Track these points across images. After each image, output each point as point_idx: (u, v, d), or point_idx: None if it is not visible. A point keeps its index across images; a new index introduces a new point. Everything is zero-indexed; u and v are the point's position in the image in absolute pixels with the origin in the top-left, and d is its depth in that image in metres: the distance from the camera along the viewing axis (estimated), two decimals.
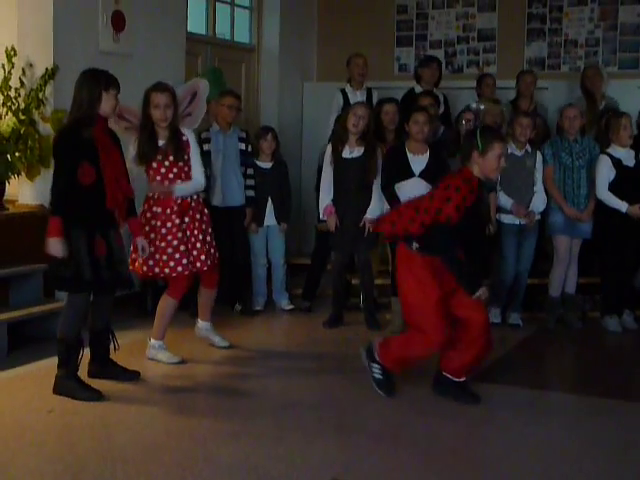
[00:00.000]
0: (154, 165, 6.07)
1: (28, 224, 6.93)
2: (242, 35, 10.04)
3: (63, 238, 5.21)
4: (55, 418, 5.03)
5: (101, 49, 7.41)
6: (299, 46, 10.39)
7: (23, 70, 7.02)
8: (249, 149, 7.78)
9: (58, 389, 5.39)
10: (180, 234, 6.04)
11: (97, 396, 5.33)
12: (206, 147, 7.44)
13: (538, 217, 7.43)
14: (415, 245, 5.24)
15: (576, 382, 6.39)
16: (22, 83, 7.00)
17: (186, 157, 6.11)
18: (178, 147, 6.08)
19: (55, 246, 5.21)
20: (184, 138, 6.14)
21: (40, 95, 6.94)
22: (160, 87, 6.05)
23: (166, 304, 6.21)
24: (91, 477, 4.21)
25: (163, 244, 6.01)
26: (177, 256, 6.01)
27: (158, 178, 6.05)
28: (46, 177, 7.07)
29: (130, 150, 6.04)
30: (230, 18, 9.82)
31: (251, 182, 7.70)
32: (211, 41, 9.45)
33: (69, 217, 5.26)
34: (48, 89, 6.99)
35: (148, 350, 6.25)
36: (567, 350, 7.15)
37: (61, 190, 5.27)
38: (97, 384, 5.47)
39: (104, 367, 5.69)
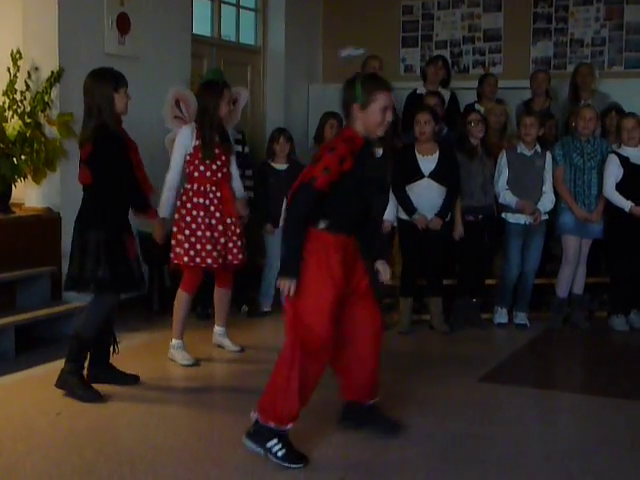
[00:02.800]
0: (207, 161, 6.16)
1: (34, 227, 6.95)
2: (247, 37, 10.04)
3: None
4: (63, 420, 5.03)
5: (107, 51, 7.42)
6: (305, 48, 10.40)
7: (29, 73, 7.02)
8: (245, 150, 7.78)
9: (61, 383, 5.40)
10: (221, 227, 6.18)
11: (96, 397, 5.33)
12: None
13: (545, 217, 7.41)
14: (322, 223, 4.37)
15: (583, 382, 6.38)
16: (28, 86, 7.00)
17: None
18: (229, 145, 6.37)
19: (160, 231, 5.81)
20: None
21: (46, 98, 6.95)
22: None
23: (179, 298, 6.26)
24: (99, 479, 4.21)
25: (208, 234, 6.11)
26: (209, 247, 6.10)
27: (208, 174, 6.15)
28: (52, 180, 7.11)
29: (182, 139, 6.18)
30: (235, 20, 9.82)
31: (249, 183, 7.67)
32: (216, 43, 9.46)
33: (100, 219, 5.30)
34: (54, 92, 7.00)
35: (169, 350, 6.28)
36: (574, 350, 7.14)
37: (133, 187, 5.39)
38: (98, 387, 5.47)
39: (104, 371, 5.64)
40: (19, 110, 6.96)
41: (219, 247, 6.15)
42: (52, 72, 6.96)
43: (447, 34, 10.12)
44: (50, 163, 7.00)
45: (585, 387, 6.13)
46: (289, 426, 4.38)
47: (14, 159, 6.90)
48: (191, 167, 6.18)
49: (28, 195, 7.26)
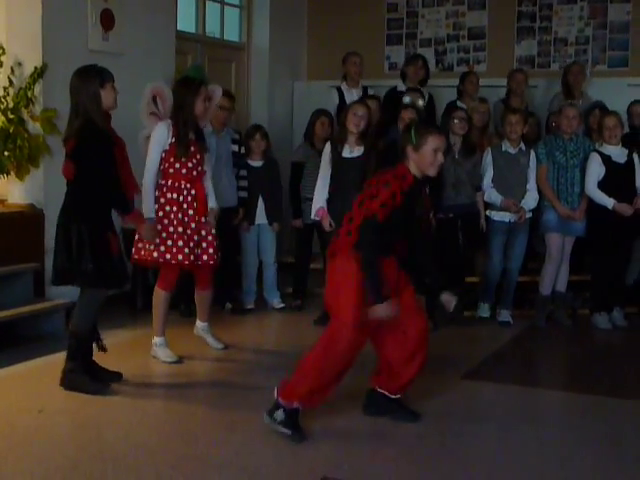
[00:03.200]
0: (183, 159, 6.07)
1: (17, 223, 6.92)
2: (232, 33, 10.04)
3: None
4: (45, 418, 5.01)
5: (90, 48, 7.40)
6: (289, 45, 10.40)
7: (12, 69, 7.00)
8: (242, 150, 7.77)
9: (69, 384, 5.39)
10: (194, 224, 6.09)
11: (107, 389, 5.39)
12: None
13: (529, 215, 7.44)
14: None
15: (566, 379, 6.41)
16: (11, 82, 6.98)
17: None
18: (203, 146, 6.26)
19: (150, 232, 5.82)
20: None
21: (29, 94, 6.93)
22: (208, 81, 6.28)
23: (156, 296, 6.22)
24: (82, 476, 4.19)
25: (180, 229, 6.03)
26: (180, 244, 6.02)
27: (184, 172, 6.07)
28: (35, 176, 7.08)
29: (157, 137, 6.08)
30: (220, 16, 9.82)
31: (244, 183, 7.69)
32: (201, 39, 9.45)
33: (83, 213, 5.27)
34: (37, 88, 6.98)
35: (152, 348, 6.26)
36: (557, 347, 7.16)
37: (114, 186, 5.32)
38: None
39: (86, 368, 5.54)
40: (2, 106, 6.94)
41: (192, 244, 6.05)
42: (35, 68, 6.94)
43: (432, 32, 10.15)
44: (33, 159, 6.98)
45: (568, 385, 6.16)
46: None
47: None
48: (166, 164, 6.07)
49: (11, 191, 7.23)
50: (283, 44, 10.26)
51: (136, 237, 6.11)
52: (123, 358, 6.10)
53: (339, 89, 8.76)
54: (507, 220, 7.39)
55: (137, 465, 4.32)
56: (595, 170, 7.32)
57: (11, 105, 6.95)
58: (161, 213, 6.05)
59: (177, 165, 6.07)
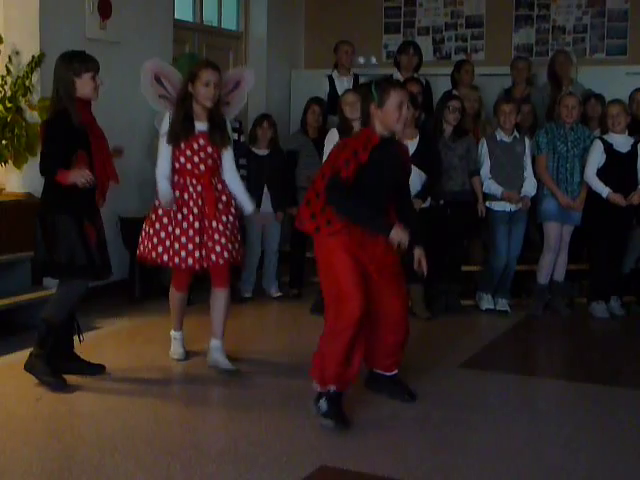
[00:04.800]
0: (188, 152, 5.57)
1: (15, 212, 6.91)
2: (229, 22, 10.02)
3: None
4: (43, 406, 5.02)
5: (88, 36, 7.38)
6: (287, 33, 10.38)
7: (9, 58, 6.99)
8: (242, 139, 7.75)
9: (28, 366, 5.32)
10: (198, 224, 5.57)
11: (62, 385, 5.24)
12: None
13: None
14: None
15: (564, 368, 6.42)
16: (8, 71, 6.97)
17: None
18: (223, 135, 5.68)
19: (78, 175, 5.13)
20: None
21: (27, 82, 6.92)
22: (212, 64, 5.65)
23: (171, 295, 5.93)
24: (79, 465, 4.21)
25: (178, 231, 5.55)
26: (190, 247, 5.54)
27: (189, 167, 5.56)
28: (33, 165, 7.02)
29: (163, 125, 5.63)
30: (217, 5, 9.80)
31: (243, 172, 7.67)
32: (198, 28, 9.43)
33: (59, 203, 5.23)
34: (35, 77, 6.96)
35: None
36: (555, 336, 7.17)
37: (52, 172, 5.17)
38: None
39: (69, 361, 5.50)
40: (0, 95, 6.92)
41: (191, 246, 5.55)
42: (33, 57, 6.93)
43: (429, 20, 10.13)
44: (31, 148, 6.96)
45: (565, 373, 6.17)
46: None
47: None
48: (173, 158, 5.59)
49: (9, 180, 7.23)
50: (281, 32, 10.24)
51: (142, 233, 5.71)
52: (121, 347, 6.10)
53: (330, 77, 8.77)
54: (508, 209, 7.39)
55: (135, 453, 4.33)
56: (596, 157, 7.30)
57: (9, 94, 6.94)
58: (161, 211, 5.59)
59: (182, 159, 5.57)
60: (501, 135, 7.37)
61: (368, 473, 4.19)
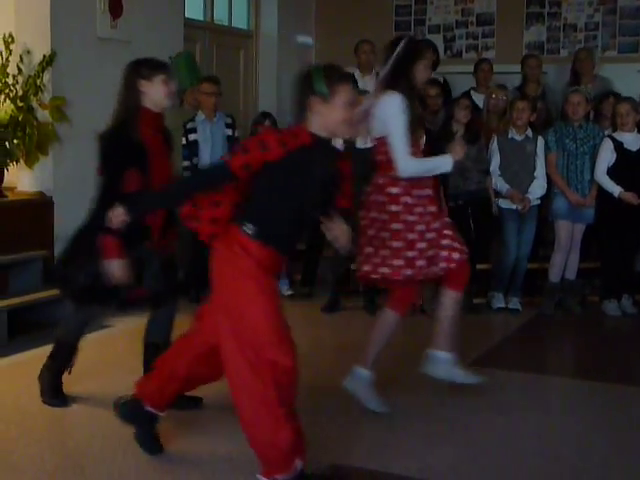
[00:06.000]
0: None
1: (27, 211, 6.94)
2: (240, 20, 10.02)
3: (124, 259, 4.38)
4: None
5: (99, 35, 7.40)
6: (297, 32, 10.37)
7: (21, 57, 6.99)
8: (235, 134, 7.78)
9: (39, 376, 5.11)
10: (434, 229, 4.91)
11: (61, 405, 4.99)
12: (192, 137, 7.48)
13: (538, 202, 7.44)
14: (249, 227, 3.77)
15: (575, 366, 6.41)
16: (20, 70, 6.97)
17: None
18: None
19: (116, 268, 4.39)
20: None
21: (38, 82, 6.92)
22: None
23: (386, 319, 5.11)
24: (92, 462, 4.22)
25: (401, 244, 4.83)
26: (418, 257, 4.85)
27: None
28: (45, 164, 7.09)
29: None
30: (228, 3, 9.80)
31: None
32: (209, 27, 9.44)
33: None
34: (46, 76, 6.97)
35: None
36: (566, 335, 7.16)
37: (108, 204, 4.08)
38: None
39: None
40: (11, 94, 6.93)
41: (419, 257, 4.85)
42: (44, 56, 6.93)
43: (440, 18, 10.12)
44: (42, 147, 6.98)
45: (577, 372, 6.16)
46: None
47: (6, 143, 6.86)
48: None
49: (20, 179, 7.25)
50: (291, 31, 10.24)
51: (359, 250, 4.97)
52: (134, 345, 6.10)
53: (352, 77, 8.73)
54: (515, 207, 7.38)
55: None
56: (606, 156, 7.30)
57: (20, 93, 6.95)
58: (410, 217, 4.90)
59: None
60: (513, 133, 7.37)
61: (378, 471, 4.19)
